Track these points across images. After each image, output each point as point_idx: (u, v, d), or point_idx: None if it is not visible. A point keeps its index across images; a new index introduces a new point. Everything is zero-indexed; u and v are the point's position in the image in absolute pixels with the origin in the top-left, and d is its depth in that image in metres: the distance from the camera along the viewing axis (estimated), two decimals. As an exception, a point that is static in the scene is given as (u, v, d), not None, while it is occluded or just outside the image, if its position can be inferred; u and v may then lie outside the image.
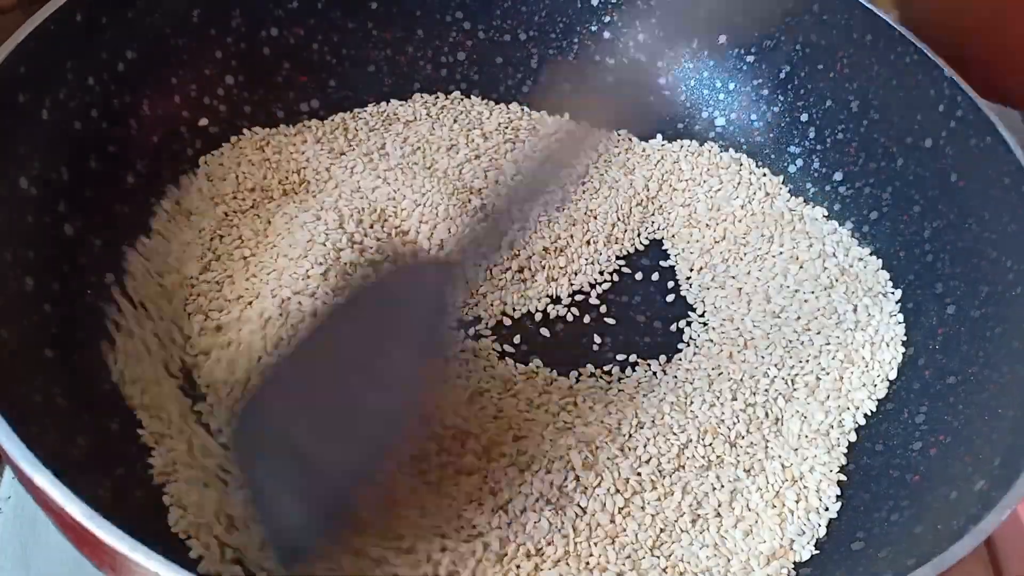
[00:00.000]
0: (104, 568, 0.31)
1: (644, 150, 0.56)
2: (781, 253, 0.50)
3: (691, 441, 0.42)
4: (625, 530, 0.38)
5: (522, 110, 0.57)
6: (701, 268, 0.51)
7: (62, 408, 0.36)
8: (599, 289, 0.50)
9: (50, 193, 0.40)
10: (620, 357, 0.46)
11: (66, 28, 0.41)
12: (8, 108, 0.39)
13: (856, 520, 0.41)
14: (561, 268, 0.49)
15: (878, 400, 0.45)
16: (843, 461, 0.43)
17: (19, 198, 0.39)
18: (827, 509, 0.41)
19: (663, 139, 0.57)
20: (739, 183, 0.54)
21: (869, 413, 0.44)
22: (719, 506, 0.40)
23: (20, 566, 0.40)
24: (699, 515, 0.40)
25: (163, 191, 0.47)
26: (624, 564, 0.37)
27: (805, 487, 0.41)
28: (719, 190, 0.53)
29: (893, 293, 0.48)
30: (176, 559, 0.28)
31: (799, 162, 0.54)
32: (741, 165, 0.55)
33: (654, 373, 0.46)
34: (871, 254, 0.50)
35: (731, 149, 0.56)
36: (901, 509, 0.40)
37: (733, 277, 0.50)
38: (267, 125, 0.52)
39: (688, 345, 0.47)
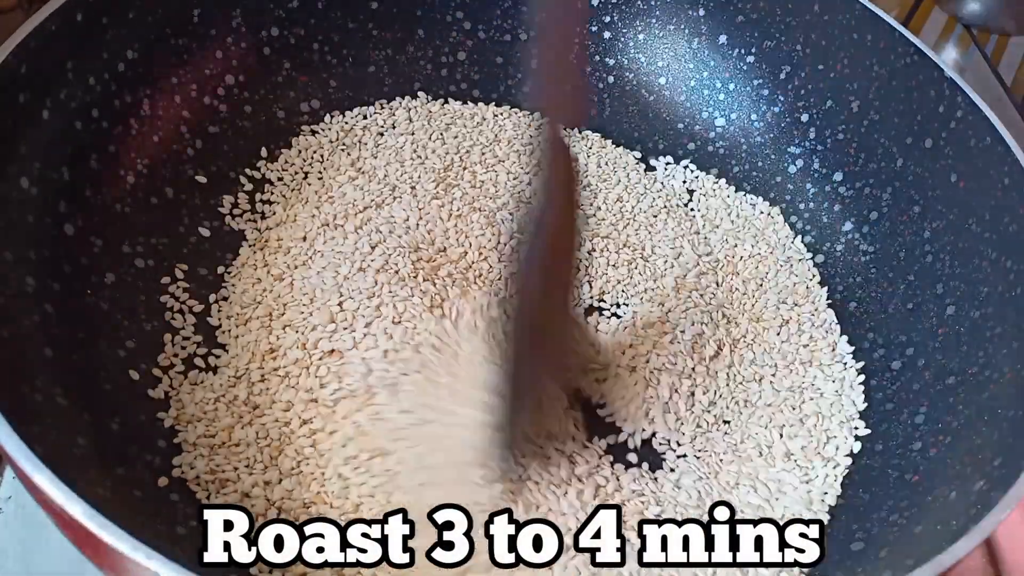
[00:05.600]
0: (104, 567, 0.31)
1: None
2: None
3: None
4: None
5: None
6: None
7: (62, 408, 0.36)
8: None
9: (51, 193, 0.40)
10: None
11: (67, 28, 0.41)
12: (9, 108, 0.39)
13: (856, 520, 0.41)
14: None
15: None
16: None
17: (20, 198, 0.39)
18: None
19: (662, 142, 0.57)
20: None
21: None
22: None
23: (21, 565, 0.40)
24: None
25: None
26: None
27: None
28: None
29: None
30: (176, 558, 0.28)
31: (799, 162, 0.54)
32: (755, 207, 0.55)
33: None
34: (867, 258, 0.50)
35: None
36: (901, 509, 0.40)
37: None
38: (269, 127, 0.52)
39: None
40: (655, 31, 0.58)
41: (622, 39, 0.59)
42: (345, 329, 0.43)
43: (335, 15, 0.55)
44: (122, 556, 0.28)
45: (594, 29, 0.59)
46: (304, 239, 0.48)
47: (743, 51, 0.56)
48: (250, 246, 0.48)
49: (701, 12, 0.57)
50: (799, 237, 0.53)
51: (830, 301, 0.51)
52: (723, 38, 0.57)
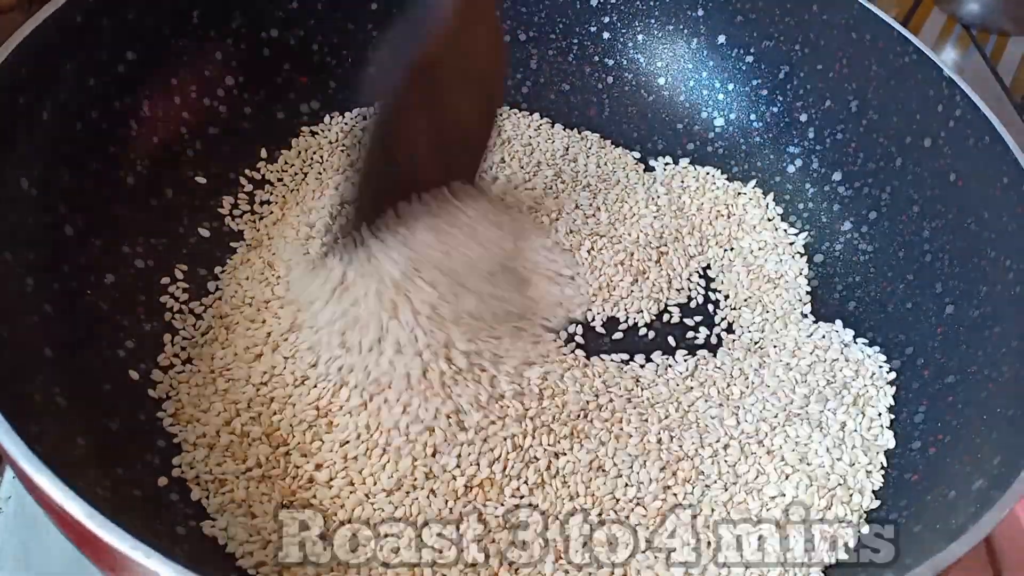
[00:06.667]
0: (104, 567, 0.31)
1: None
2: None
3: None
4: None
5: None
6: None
7: (62, 408, 0.36)
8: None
9: (50, 194, 0.40)
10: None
11: (66, 29, 0.41)
12: (9, 109, 0.39)
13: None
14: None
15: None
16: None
17: (20, 199, 0.39)
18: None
19: (662, 142, 0.57)
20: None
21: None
22: None
23: (21, 565, 0.40)
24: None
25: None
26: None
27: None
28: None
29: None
30: (175, 558, 0.28)
31: (798, 162, 0.54)
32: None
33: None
34: (866, 258, 0.51)
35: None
36: (900, 509, 0.40)
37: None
38: (268, 128, 0.52)
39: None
40: (654, 31, 0.59)
41: (621, 39, 0.59)
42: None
43: (335, 16, 0.55)
44: (122, 556, 0.28)
45: (593, 30, 0.59)
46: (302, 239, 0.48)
47: (742, 51, 0.56)
48: (247, 245, 0.48)
49: (700, 12, 0.57)
50: (799, 237, 0.53)
51: (830, 301, 0.51)
52: (722, 38, 0.57)
